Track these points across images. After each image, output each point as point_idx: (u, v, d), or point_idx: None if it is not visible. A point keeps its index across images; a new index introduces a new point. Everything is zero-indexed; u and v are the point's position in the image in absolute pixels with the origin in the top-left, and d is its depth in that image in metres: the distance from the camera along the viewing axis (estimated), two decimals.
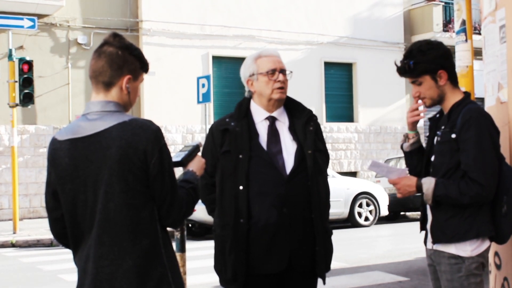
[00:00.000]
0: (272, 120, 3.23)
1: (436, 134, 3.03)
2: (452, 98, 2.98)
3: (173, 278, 2.32)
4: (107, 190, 2.24)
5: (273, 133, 3.20)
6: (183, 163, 2.54)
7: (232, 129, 3.17)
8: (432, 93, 2.98)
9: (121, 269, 2.24)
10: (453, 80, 2.99)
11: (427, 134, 3.18)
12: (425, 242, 3.10)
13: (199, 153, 2.61)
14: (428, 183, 2.90)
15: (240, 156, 3.11)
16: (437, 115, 3.11)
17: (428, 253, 3.09)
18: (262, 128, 3.22)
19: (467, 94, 3.01)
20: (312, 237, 3.13)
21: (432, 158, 3.02)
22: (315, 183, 3.14)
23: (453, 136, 2.88)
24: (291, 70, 3.27)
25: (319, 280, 3.25)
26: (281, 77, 3.18)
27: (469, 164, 2.82)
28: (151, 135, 2.27)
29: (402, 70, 2.99)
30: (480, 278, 2.92)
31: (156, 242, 2.29)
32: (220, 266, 3.19)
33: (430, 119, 3.16)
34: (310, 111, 3.29)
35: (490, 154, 2.82)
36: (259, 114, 3.24)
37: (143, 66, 2.42)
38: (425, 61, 2.92)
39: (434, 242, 2.96)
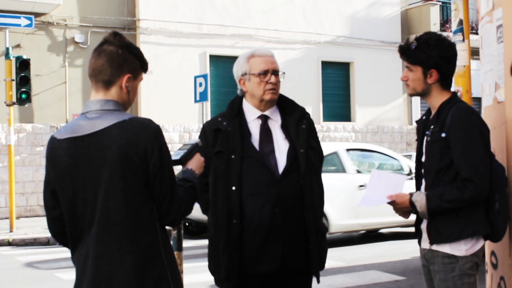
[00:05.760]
0: (264, 119, 3.21)
1: (425, 134, 3.03)
2: (440, 98, 2.99)
3: (172, 277, 2.32)
4: (107, 189, 2.25)
5: (265, 132, 3.19)
6: (182, 161, 2.55)
7: (224, 129, 3.15)
8: (417, 85, 2.99)
9: (120, 267, 2.24)
10: (444, 83, 2.99)
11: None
12: (419, 242, 3.09)
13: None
14: (420, 200, 2.90)
15: (233, 156, 3.10)
16: (424, 117, 3.12)
17: (422, 253, 3.08)
18: (254, 127, 3.20)
19: (454, 94, 3.02)
20: (305, 236, 3.12)
21: (423, 159, 3.02)
22: (308, 182, 3.12)
23: (443, 135, 2.89)
24: (283, 71, 3.25)
25: (314, 279, 3.23)
26: (273, 78, 3.16)
27: (461, 163, 2.82)
28: (151, 134, 2.28)
29: (402, 50, 3.01)
30: (474, 279, 2.92)
31: (156, 241, 2.30)
32: (213, 266, 3.18)
33: (417, 121, 3.17)
34: (303, 109, 3.27)
35: (481, 152, 2.83)
36: (251, 113, 3.22)
37: (143, 65, 2.43)
38: (425, 54, 2.92)
39: (431, 243, 2.95)
